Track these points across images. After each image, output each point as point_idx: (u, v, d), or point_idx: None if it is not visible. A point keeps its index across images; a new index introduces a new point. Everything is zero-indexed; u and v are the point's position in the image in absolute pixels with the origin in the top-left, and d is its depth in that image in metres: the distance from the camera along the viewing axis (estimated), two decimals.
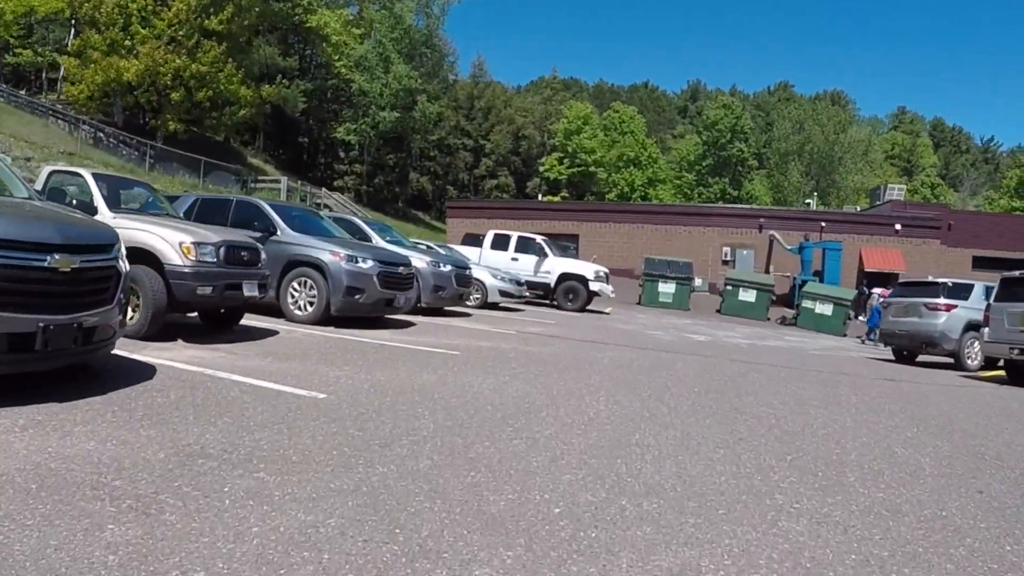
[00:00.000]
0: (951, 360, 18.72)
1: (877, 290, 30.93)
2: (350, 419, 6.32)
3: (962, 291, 18.86)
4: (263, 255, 11.21)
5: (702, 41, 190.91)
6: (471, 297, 20.85)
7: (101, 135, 43.22)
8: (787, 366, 14.42)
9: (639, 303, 33.72)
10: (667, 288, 33.51)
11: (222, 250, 10.14)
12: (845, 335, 30.00)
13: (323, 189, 52.29)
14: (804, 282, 36.20)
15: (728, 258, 42.38)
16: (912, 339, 18.72)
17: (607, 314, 25.82)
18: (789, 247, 39.67)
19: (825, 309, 31.35)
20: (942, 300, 18.40)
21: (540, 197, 70.52)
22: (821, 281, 36.44)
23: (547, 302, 25.65)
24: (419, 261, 16.76)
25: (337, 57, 63.47)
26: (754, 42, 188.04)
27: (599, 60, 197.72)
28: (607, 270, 25.83)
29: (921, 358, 19.97)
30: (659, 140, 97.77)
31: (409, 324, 14.82)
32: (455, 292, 17.30)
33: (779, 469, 5.98)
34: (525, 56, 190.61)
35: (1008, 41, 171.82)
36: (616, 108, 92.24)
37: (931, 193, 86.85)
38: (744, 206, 58.04)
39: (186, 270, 9.64)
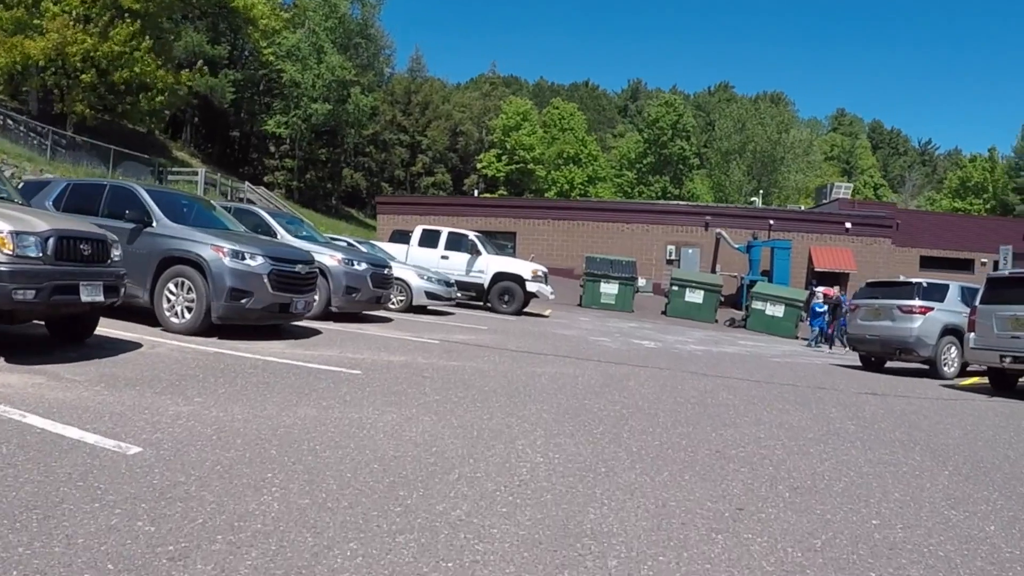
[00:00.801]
0: (924, 367, 17.05)
1: (820, 289, 29.33)
2: (152, 496, 4.06)
3: (937, 292, 17.13)
4: (115, 250, 8.85)
5: (643, 41, 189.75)
6: (394, 300, 18.57)
7: (10, 122, 39.96)
8: (756, 380, 12.41)
9: (580, 304, 31.67)
10: (610, 288, 31.52)
11: (51, 242, 7.78)
12: (797, 337, 28.33)
13: (246, 183, 49.14)
14: (753, 282, 34.55)
15: (673, 257, 40.50)
16: (884, 345, 16.93)
17: (546, 317, 23.72)
18: (737, 246, 37.96)
19: (776, 311, 29.70)
20: (917, 302, 16.62)
21: (476, 194, 68.31)
22: (770, 281, 34.79)
23: (480, 304, 23.44)
24: (329, 259, 14.47)
25: (265, 44, 60.38)
26: (695, 43, 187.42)
27: (539, 58, 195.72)
28: (546, 269, 23.70)
29: (889, 364, 18.23)
30: (599, 139, 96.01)
31: (314, 333, 12.48)
32: (372, 294, 14.97)
33: (812, 569, 3.85)
34: (464, 53, 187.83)
35: (944, 45, 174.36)
36: (556, 105, 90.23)
37: (873, 193, 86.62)
38: (690, 203, 56.32)
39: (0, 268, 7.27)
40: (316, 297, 14.14)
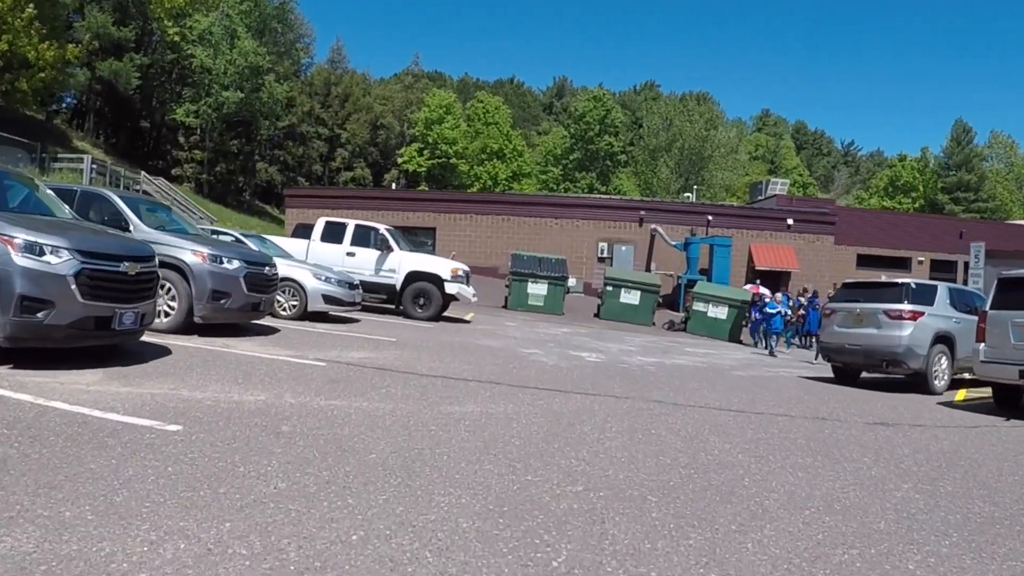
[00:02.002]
0: (901, 376, 14.61)
1: (748, 286, 26.97)
2: None
3: (926, 294, 14.67)
4: None
5: (568, 38, 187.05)
6: (285, 305, 15.40)
7: None
8: (739, 409, 9.63)
9: (505, 306, 28.68)
10: (538, 289, 28.62)
11: None
12: (742, 341, 25.85)
13: (142, 173, 44.80)
14: (692, 282, 32.10)
15: (604, 254, 37.61)
16: (868, 355, 14.39)
17: (467, 323, 20.73)
18: (674, 243, 35.31)
19: (719, 312, 27.22)
20: (906, 306, 14.12)
21: (395, 187, 64.86)
22: (709, 280, 32.27)
23: (393, 308, 20.27)
24: (191, 255, 11.22)
25: (170, 23, 56.18)
26: (620, 41, 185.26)
27: (464, 54, 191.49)
28: (467, 268, 20.68)
29: (859, 375, 15.79)
30: (524, 136, 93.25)
31: (161, 354, 9.25)
32: (246, 300, 11.70)
33: None
34: (387, 48, 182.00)
35: (867, 49, 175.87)
36: (480, 98, 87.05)
37: (803, 192, 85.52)
38: (623, 197, 53.39)
39: None
40: (174, 304, 11.06)
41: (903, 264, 43.84)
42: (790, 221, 37.48)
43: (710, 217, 37.31)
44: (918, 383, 14.27)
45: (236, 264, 11.57)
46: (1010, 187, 79.08)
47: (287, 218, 41.32)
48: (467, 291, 19.76)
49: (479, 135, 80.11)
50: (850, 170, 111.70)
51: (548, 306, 28.33)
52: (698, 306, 27.87)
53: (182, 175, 61.24)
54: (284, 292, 15.46)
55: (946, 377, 14.51)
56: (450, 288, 19.19)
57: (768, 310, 23.66)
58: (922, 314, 14.10)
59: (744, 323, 26.75)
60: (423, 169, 76.83)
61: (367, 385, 8.56)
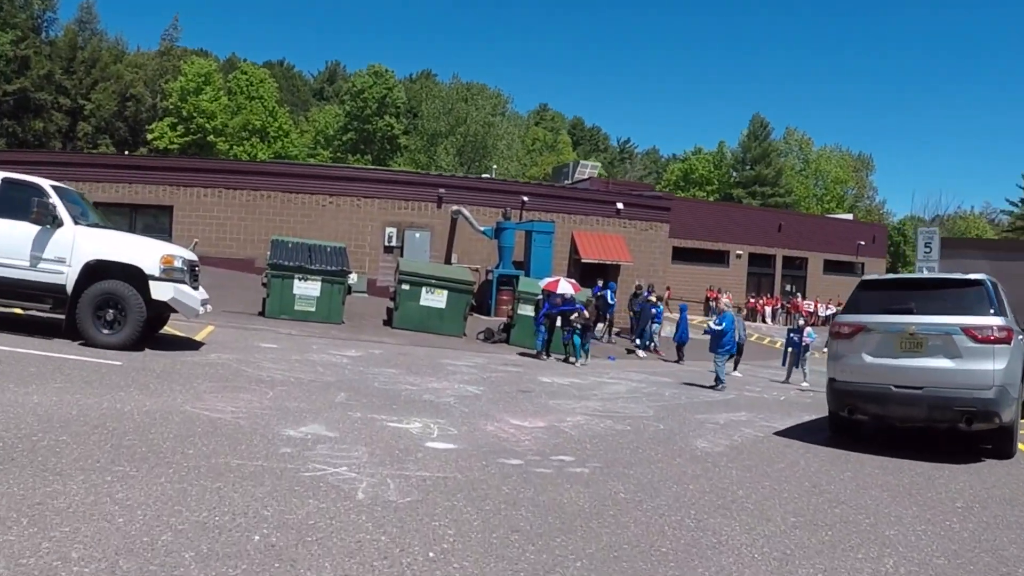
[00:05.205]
0: (942, 422, 8.85)
1: (542, 282, 21.37)
2: None
3: (997, 299, 8.59)
4: None
5: (342, 21, 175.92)
6: None
7: None
8: None
9: (263, 313, 20.68)
10: (308, 289, 20.77)
11: None
12: (576, 359, 19.44)
13: None
14: (506, 277, 25.67)
15: (393, 242, 29.91)
16: (937, 407, 8.11)
17: (198, 346, 12.96)
18: (482, 228, 28.30)
19: None
20: (996, 320, 7.96)
21: (127, 152, 54.80)
22: (527, 275, 25.64)
23: (63, 325, 11.82)
24: None
25: None
26: (396, 26, 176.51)
27: (231, 33, 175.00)
28: (194, 257, 12.45)
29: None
30: (293, 120, 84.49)
31: None
32: None
33: None
34: (146, 20, 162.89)
35: (642, 47, 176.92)
36: (244, 69, 77.40)
37: None
38: (416, 171, 45.56)
39: None
40: None
41: (720, 258, 40.69)
42: (620, 205, 31.54)
43: (525, 198, 30.57)
44: (996, 442, 8.33)
45: None
46: (806, 182, 79.96)
47: None
48: (190, 296, 11.67)
49: (241, 110, 70.78)
50: (626, 166, 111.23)
51: (322, 312, 20.71)
52: (524, 309, 21.53)
53: None
54: None
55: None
56: (159, 291, 11.08)
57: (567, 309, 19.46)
58: (1011, 332, 8.01)
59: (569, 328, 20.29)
60: (176, 146, 67.01)
61: None
